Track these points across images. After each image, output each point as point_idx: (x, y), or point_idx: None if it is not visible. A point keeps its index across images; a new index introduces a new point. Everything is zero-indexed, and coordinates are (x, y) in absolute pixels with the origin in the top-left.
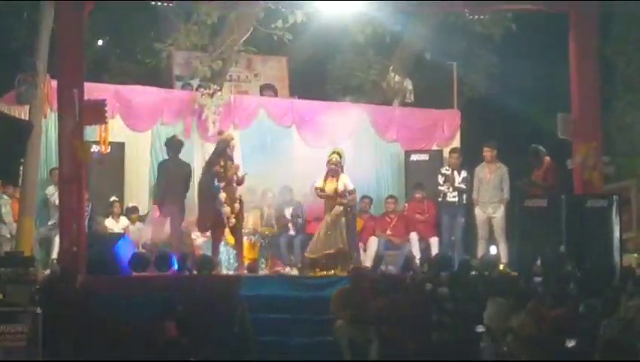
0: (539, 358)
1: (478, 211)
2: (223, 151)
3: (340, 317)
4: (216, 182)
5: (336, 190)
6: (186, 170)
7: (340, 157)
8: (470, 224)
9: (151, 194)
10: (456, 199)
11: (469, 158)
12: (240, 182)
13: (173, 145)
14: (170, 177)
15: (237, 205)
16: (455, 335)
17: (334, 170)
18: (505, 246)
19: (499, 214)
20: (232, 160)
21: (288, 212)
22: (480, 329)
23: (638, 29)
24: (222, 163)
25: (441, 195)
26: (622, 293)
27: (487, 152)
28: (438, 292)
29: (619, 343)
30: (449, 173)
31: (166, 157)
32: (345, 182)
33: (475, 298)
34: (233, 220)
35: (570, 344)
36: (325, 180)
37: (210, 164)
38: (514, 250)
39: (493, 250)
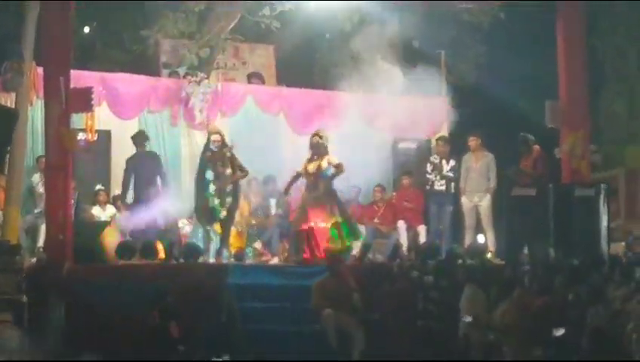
0: (525, 346)
1: (464, 200)
2: (206, 146)
3: (322, 309)
4: (207, 175)
5: (319, 167)
6: (154, 159)
7: (321, 139)
8: (458, 213)
9: None
10: (444, 188)
11: (457, 147)
12: (238, 177)
13: (138, 139)
14: (139, 169)
15: (229, 199)
16: (440, 323)
17: (316, 151)
18: (492, 234)
19: (485, 203)
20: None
21: (273, 202)
22: (467, 319)
23: (627, 18)
24: (209, 155)
25: (429, 184)
26: (609, 282)
27: (472, 141)
28: (424, 281)
29: (606, 332)
30: (437, 161)
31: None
32: (329, 158)
33: (460, 286)
34: (224, 213)
35: (559, 333)
36: (309, 162)
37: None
38: (501, 238)
39: (480, 238)
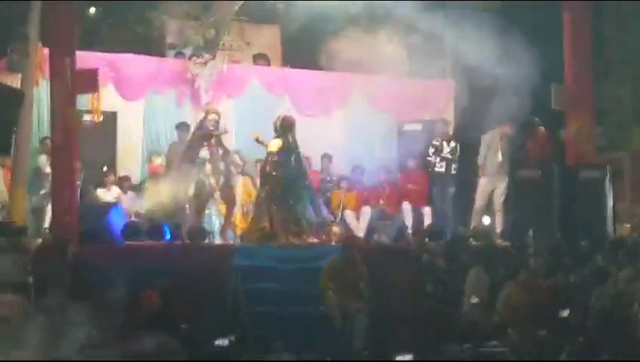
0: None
1: (485, 182)
2: (201, 124)
3: (327, 290)
4: (202, 154)
5: None
6: None
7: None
8: (459, 194)
9: (143, 163)
10: (444, 169)
11: (462, 128)
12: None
13: (182, 127)
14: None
15: (222, 178)
16: (446, 305)
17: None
18: (500, 216)
19: (502, 186)
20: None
21: None
22: (474, 300)
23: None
24: (205, 133)
25: (431, 166)
26: (614, 263)
27: (504, 129)
28: (436, 264)
29: (610, 313)
30: (438, 143)
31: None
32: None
33: (466, 268)
34: (219, 192)
35: (565, 313)
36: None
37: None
38: (507, 220)
39: (486, 220)
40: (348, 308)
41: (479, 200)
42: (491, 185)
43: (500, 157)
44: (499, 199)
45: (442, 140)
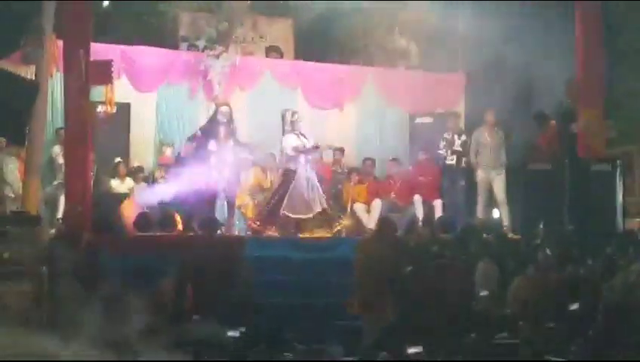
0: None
1: (480, 174)
2: (212, 118)
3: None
4: (210, 146)
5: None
6: None
7: None
8: (469, 187)
9: (156, 155)
10: (454, 162)
11: (473, 122)
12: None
13: None
14: None
15: (227, 171)
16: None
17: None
18: (505, 209)
19: (500, 178)
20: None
21: None
22: (483, 293)
23: None
24: (212, 129)
25: (441, 159)
26: (623, 257)
27: (490, 116)
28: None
29: (621, 307)
30: (449, 137)
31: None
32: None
33: (476, 261)
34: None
35: (574, 306)
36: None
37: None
38: (516, 213)
39: (496, 213)
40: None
41: (481, 193)
42: (487, 177)
43: (489, 149)
44: (500, 191)
45: (453, 134)
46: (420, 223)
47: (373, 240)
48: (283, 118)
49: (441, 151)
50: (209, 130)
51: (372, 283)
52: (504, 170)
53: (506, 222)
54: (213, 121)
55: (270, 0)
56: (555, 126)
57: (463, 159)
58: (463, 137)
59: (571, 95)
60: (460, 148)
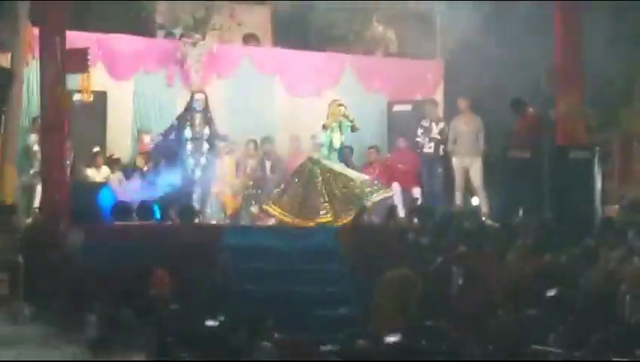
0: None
1: (455, 161)
2: (189, 105)
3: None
4: (185, 134)
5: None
6: None
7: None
8: (447, 175)
9: (133, 143)
10: (432, 150)
11: (452, 109)
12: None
13: None
14: None
15: (204, 159)
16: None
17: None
18: (483, 196)
19: (476, 165)
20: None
21: (268, 165)
22: (460, 281)
23: None
24: (188, 117)
25: (420, 147)
26: (602, 244)
27: (462, 103)
28: (420, 243)
29: (601, 294)
30: (427, 124)
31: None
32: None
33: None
34: (199, 173)
35: (551, 293)
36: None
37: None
38: (495, 200)
39: (474, 200)
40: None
41: (458, 180)
42: (462, 164)
43: (466, 136)
44: (476, 178)
45: (431, 121)
46: (399, 211)
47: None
48: None
49: (419, 139)
50: (185, 118)
51: None
52: (480, 157)
53: (484, 210)
54: (189, 109)
55: None
56: (533, 113)
57: (441, 147)
58: (441, 125)
59: (549, 82)
60: (437, 136)
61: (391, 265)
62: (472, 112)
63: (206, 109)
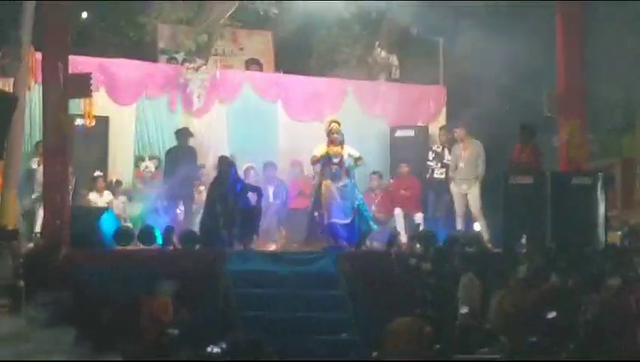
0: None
1: (453, 187)
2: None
3: None
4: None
5: (342, 156)
6: (191, 153)
7: (339, 126)
8: (452, 201)
9: (135, 168)
10: (443, 176)
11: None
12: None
13: (182, 134)
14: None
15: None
16: (437, 311)
17: (336, 138)
18: (482, 222)
19: (474, 191)
20: None
21: (271, 190)
22: (464, 310)
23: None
24: None
25: (429, 172)
26: (605, 271)
27: (457, 132)
28: (422, 268)
29: (600, 322)
30: (439, 150)
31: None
32: (349, 151)
33: (458, 274)
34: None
35: (551, 315)
36: (330, 146)
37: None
38: (496, 226)
39: (477, 226)
40: None
41: (457, 206)
42: (459, 190)
43: (461, 162)
44: (474, 204)
45: (443, 147)
46: (402, 236)
47: None
48: None
49: (430, 164)
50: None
51: None
52: (478, 183)
53: (486, 236)
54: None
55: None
56: (535, 144)
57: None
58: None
59: (550, 108)
60: (449, 162)
61: (393, 291)
62: (471, 138)
63: None
